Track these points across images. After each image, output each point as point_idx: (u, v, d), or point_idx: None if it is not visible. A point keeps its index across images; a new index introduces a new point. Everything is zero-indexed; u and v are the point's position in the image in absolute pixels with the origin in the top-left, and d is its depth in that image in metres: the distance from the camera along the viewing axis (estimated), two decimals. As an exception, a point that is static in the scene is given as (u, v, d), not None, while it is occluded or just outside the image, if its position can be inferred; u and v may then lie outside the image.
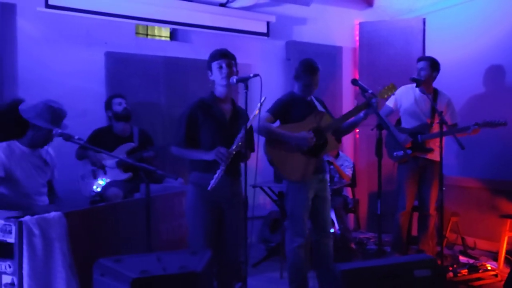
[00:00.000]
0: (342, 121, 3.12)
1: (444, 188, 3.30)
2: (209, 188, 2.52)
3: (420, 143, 3.77)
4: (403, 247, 3.95)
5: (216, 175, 2.53)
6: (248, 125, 2.60)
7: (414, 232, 4.20)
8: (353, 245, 4.30)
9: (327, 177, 3.24)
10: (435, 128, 3.77)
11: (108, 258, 1.86)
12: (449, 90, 4.00)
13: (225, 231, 2.72)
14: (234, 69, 2.71)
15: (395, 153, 3.87)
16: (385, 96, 3.06)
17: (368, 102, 2.95)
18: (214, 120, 2.67)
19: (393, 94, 3.07)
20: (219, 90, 2.73)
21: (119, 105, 3.81)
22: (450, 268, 3.58)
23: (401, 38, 5.14)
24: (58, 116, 2.73)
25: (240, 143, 2.58)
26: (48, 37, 4.03)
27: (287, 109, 3.10)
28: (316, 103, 3.21)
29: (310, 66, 3.10)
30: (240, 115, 2.75)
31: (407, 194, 3.87)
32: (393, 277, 2.26)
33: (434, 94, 3.84)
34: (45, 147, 2.82)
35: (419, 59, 3.88)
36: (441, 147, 3.22)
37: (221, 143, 2.61)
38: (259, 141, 2.89)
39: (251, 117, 2.61)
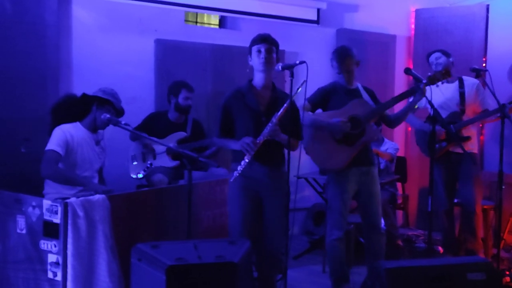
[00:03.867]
0: (381, 110, 3.01)
1: (503, 187, 3.09)
2: (231, 179, 2.53)
3: (455, 133, 3.54)
4: (454, 246, 3.78)
5: (240, 166, 2.50)
6: (280, 112, 2.51)
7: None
8: (400, 242, 4.14)
9: (375, 170, 3.11)
10: (467, 116, 3.61)
11: (146, 244, 1.87)
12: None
13: (265, 221, 2.68)
14: (274, 55, 2.62)
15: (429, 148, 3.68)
16: (435, 81, 2.92)
17: (414, 89, 2.84)
18: (248, 109, 2.63)
19: (446, 81, 2.96)
20: (257, 76, 2.66)
21: (186, 99, 3.81)
22: (507, 272, 3.37)
23: (461, 26, 4.84)
24: (116, 96, 2.89)
25: (269, 132, 2.50)
26: (101, 25, 4.12)
27: (326, 97, 3.04)
28: (363, 92, 3.09)
29: (338, 53, 3.05)
30: (281, 101, 2.65)
31: (444, 191, 3.71)
32: (444, 279, 2.13)
33: (460, 82, 3.68)
34: (103, 134, 2.93)
35: (429, 54, 3.79)
36: (501, 143, 3.01)
37: (254, 133, 2.56)
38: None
39: (285, 105, 2.52)
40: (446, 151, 3.64)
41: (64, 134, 2.71)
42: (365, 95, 3.08)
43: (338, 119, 2.92)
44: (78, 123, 2.83)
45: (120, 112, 2.92)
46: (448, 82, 3.65)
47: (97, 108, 2.83)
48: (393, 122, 3.15)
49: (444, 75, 2.90)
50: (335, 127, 2.92)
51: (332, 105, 3.04)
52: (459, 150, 3.47)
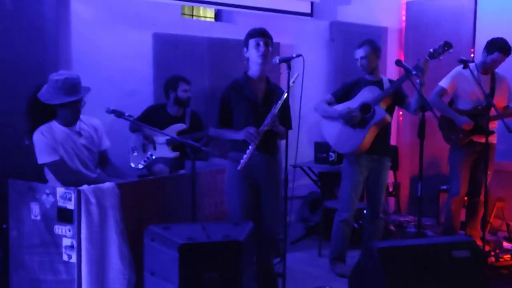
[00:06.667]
0: (387, 91, 3.17)
1: (488, 172, 3.26)
2: (238, 167, 2.61)
3: (482, 126, 3.60)
4: (454, 234, 3.87)
5: (246, 155, 2.61)
6: (279, 103, 2.65)
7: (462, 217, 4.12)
8: (392, 228, 4.30)
9: (387, 160, 3.27)
10: (493, 111, 3.59)
11: (157, 225, 2.00)
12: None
13: (262, 207, 2.82)
14: (270, 48, 2.74)
15: (454, 135, 3.73)
16: (437, 56, 2.97)
17: (414, 67, 2.91)
18: (247, 100, 2.74)
19: (481, 73, 2.97)
20: (254, 68, 2.77)
21: (184, 91, 3.89)
22: (492, 253, 3.51)
23: (450, 19, 4.98)
24: (70, 85, 2.65)
25: (270, 122, 2.63)
26: (99, 19, 4.17)
27: (348, 90, 3.26)
28: (387, 84, 3.25)
29: (360, 41, 3.27)
30: (275, 92, 2.79)
31: (461, 180, 3.75)
32: (431, 256, 2.28)
33: (492, 76, 3.72)
34: (87, 121, 2.84)
35: (495, 49, 3.59)
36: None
37: (254, 123, 2.68)
38: (301, 121, 2.93)
39: (283, 95, 2.65)
40: (470, 141, 3.69)
41: (46, 139, 2.63)
42: (387, 85, 3.23)
43: (346, 107, 3.14)
44: (54, 122, 2.72)
45: (72, 84, 2.66)
46: (483, 74, 3.66)
47: (59, 108, 2.68)
48: (410, 104, 3.20)
49: (443, 47, 2.95)
50: (344, 117, 3.14)
51: (351, 96, 3.24)
52: (484, 140, 3.43)
